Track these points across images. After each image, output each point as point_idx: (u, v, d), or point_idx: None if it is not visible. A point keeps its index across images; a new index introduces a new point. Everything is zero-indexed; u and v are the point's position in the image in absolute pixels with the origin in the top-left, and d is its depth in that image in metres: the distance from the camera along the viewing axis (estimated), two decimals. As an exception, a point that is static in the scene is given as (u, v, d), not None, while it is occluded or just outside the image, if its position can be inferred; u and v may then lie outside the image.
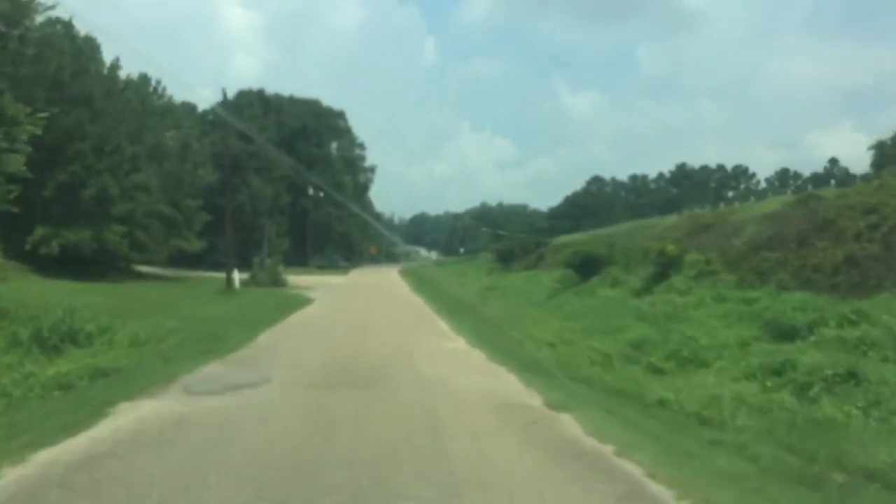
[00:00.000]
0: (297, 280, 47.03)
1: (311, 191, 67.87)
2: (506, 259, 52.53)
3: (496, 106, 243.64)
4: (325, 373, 10.75)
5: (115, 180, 40.48)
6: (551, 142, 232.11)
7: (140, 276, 46.29)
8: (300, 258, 70.81)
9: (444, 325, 20.32)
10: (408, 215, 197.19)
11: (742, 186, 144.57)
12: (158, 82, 47.19)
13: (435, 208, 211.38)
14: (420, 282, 47.43)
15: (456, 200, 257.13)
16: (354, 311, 25.33)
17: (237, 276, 32.57)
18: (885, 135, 49.10)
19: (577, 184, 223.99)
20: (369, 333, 17.35)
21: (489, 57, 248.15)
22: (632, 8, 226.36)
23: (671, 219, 31.81)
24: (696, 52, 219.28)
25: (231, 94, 64.85)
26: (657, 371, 13.14)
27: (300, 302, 28.27)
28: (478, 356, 13.41)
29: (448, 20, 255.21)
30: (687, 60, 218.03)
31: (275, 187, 64.64)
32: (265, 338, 15.30)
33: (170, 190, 47.11)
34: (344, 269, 72.96)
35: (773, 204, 24.14)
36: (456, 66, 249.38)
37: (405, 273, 65.57)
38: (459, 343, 16.04)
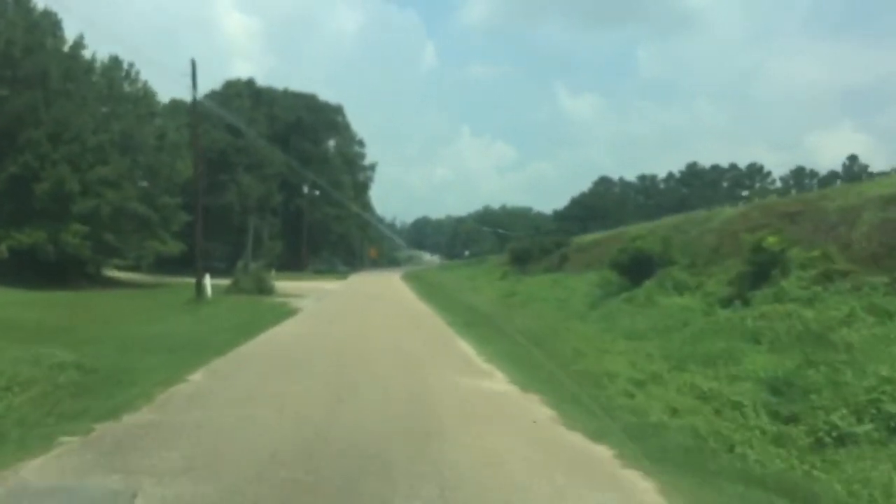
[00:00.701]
0: (288, 286, 41.80)
1: (305, 189, 62.54)
2: (522, 260, 47.04)
3: (495, 110, 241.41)
4: (264, 482, 5.30)
5: (76, 173, 35.17)
6: (551, 145, 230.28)
7: (108, 283, 41.00)
8: (295, 262, 65.51)
9: (467, 348, 14.96)
10: (409, 219, 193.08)
11: (757, 185, 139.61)
12: (131, 65, 41.83)
13: (436, 213, 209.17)
14: (426, 287, 42.05)
15: (456, 205, 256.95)
16: (346, 327, 19.94)
17: (209, 282, 27.19)
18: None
19: (577, 187, 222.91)
20: (362, 367, 11.95)
21: (488, 61, 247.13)
22: (630, 10, 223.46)
23: (729, 210, 26.32)
24: (695, 53, 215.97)
25: (218, 84, 59.83)
26: (848, 441, 7.73)
27: (281, 314, 22.92)
28: (543, 415, 8.04)
29: (447, 24, 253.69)
30: (686, 62, 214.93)
31: (266, 185, 59.33)
32: (197, 379, 9.87)
33: (144, 186, 41.89)
34: (343, 274, 67.57)
35: (883, 186, 18.62)
36: (455, 70, 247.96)
37: (409, 277, 60.12)
38: (498, 381, 10.69)
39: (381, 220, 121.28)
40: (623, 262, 22.48)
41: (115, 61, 41.67)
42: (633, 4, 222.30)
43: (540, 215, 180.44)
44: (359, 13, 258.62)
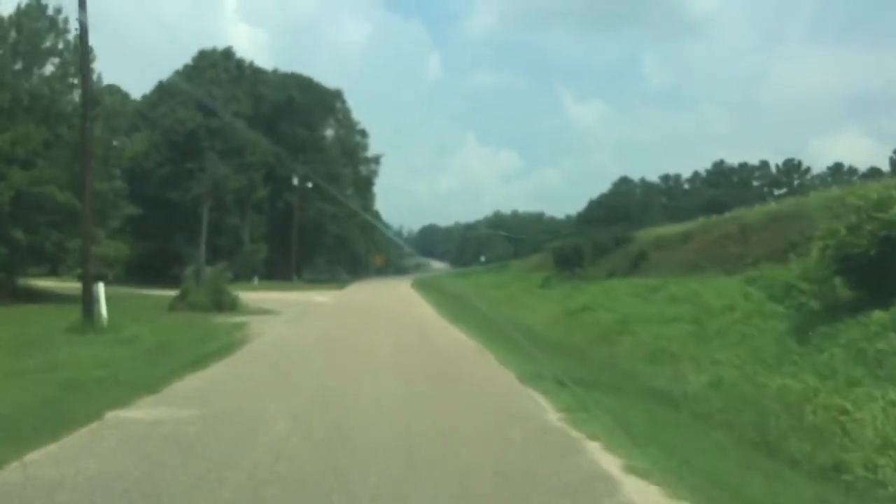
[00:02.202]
0: (266, 298, 31.65)
1: (296, 181, 52.15)
2: (570, 262, 36.54)
3: (501, 118, 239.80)
4: None
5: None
6: (557, 152, 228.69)
7: (21, 296, 30.65)
8: (285, 269, 55.15)
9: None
10: (416, 227, 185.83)
11: (796, 182, 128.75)
12: (58, 11, 31.47)
13: (442, 221, 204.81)
14: (447, 299, 31.59)
15: (462, 213, 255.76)
16: (315, 380, 9.54)
17: (103, 296, 16.66)
18: None
19: (585, 192, 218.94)
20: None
21: (493, 69, 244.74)
22: (634, 17, 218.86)
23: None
24: (701, 59, 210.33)
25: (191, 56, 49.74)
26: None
27: (213, 351, 12.68)
28: None
29: (452, 34, 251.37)
30: (691, 68, 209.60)
31: (248, 176, 49.00)
32: None
33: (71, 166, 31.61)
34: (342, 283, 57.15)
35: None
36: (460, 79, 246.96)
37: (421, 286, 49.64)
38: None
39: (387, 227, 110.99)
40: (845, 261, 11.79)
41: (34, 8, 31.46)
42: (637, 11, 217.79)
43: (553, 220, 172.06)
44: (363, 24, 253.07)
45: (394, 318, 22.50)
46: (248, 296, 35.37)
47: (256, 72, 56.84)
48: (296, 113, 55.77)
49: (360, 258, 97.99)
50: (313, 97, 57.78)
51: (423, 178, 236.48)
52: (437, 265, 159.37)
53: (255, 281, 47.86)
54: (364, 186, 67.58)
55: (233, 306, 26.83)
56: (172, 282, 48.04)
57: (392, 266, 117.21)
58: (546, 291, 34.16)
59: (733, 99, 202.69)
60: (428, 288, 44.67)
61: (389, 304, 30.20)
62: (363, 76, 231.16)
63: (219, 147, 45.97)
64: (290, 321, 21.20)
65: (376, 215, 71.72)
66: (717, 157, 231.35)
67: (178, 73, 48.38)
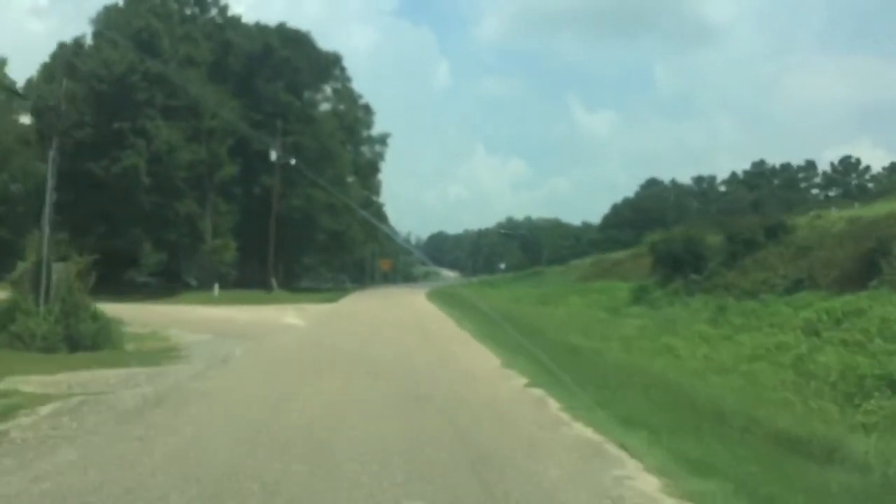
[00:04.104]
0: (207, 318, 19.40)
1: (273, 156, 38.83)
2: (680, 265, 23.30)
3: (510, 126, 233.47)
4: None
5: None
6: (566, 161, 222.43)
7: None
8: (264, 274, 42.00)
9: None
10: (424, 235, 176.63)
11: (853, 181, 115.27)
12: None
13: (451, 229, 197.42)
14: (501, 330, 18.12)
15: (472, 222, 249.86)
16: None
17: None
18: None
19: (595, 201, 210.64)
20: None
21: (502, 77, 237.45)
22: (645, 25, 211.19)
23: None
24: (712, 67, 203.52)
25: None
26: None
27: None
28: None
29: (461, 41, 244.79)
30: (703, 76, 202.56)
31: (208, 148, 35.99)
32: None
33: None
34: (337, 293, 44.20)
35: None
36: (469, 87, 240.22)
37: (442, 299, 36.40)
38: None
39: (395, 233, 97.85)
40: None
41: None
42: (648, 19, 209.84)
43: (570, 226, 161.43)
44: (371, 30, 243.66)
45: (423, 396, 9.23)
46: (191, 314, 22.77)
47: (229, 20, 43.81)
48: (277, 70, 42.59)
49: (365, 262, 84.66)
50: (302, 54, 44.65)
51: (431, 186, 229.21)
52: (448, 273, 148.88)
53: (216, 291, 34.87)
54: (368, 172, 54.26)
55: (100, 340, 13.91)
56: (127, 290, 35.76)
57: (400, 273, 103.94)
58: (655, 313, 21.00)
59: (746, 106, 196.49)
60: (453, 303, 31.47)
61: (404, 341, 16.86)
62: (371, 83, 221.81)
63: (163, 103, 32.98)
64: (195, 377, 8.33)
65: (381, 211, 58.31)
66: (724, 164, 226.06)
67: (111, 6, 35.42)
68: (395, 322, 22.19)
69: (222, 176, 37.45)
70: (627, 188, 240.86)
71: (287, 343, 16.01)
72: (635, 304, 24.00)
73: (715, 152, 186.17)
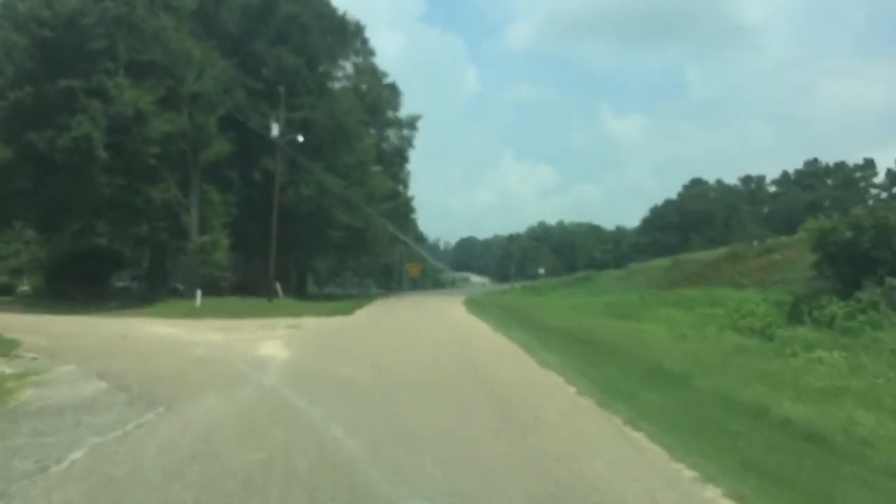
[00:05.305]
0: (162, 336, 12.23)
1: (275, 130, 31.06)
2: (860, 269, 15.09)
3: (539, 132, 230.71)
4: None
5: None
6: (595, 167, 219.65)
7: None
8: (282, 278, 34.27)
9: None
10: (452, 241, 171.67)
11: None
12: None
13: (480, 235, 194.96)
14: (597, 368, 10.15)
15: (499, 228, 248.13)
16: None
17: None
18: None
19: (624, 206, 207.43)
20: None
21: (531, 84, 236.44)
22: (677, 29, 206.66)
23: None
24: (744, 72, 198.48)
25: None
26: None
27: None
28: None
29: (490, 47, 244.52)
30: (734, 81, 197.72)
31: (190, 117, 28.46)
32: None
33: None
34: (354, 303, 36.39)
35: None
36: (498, 93, 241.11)
37: (486, 311, 28.14)
38: None
39: (423, 239, 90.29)
40: None
41: None
42: (680, 23, 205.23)
43: (605, 231, 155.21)
44: (400, 36, 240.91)
45: None
46: (127, 331, 15.35)
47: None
48: (283, 28, 35.00)
49: (392, 266, 76.63)
50: (313, 14, 37.05)
51: (459, 193, 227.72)
52: (477, 279, 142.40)
53: (198, 299, 27.24)
54: (394, 161, 46.34)
55: None
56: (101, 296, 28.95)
57: (429, 279, 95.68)
58: (847, 340, 12.79)
59: (778, 112, 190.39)
60: (507, 318, 23.40)
61: (456, 408, 8.75)
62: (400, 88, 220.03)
63: (128, 57, 25.53)
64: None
65: (409, 205, 50.07)
66: (758, 168, 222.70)
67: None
68: (431, 355, 14.12)
69: (211, 155, 29.84)
70: (656, 194, 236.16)
71: (199, 428, 7.34)
72: (792, 321, 15.82)
73: (750, 155, 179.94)
